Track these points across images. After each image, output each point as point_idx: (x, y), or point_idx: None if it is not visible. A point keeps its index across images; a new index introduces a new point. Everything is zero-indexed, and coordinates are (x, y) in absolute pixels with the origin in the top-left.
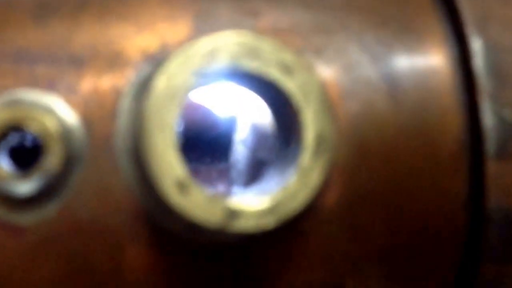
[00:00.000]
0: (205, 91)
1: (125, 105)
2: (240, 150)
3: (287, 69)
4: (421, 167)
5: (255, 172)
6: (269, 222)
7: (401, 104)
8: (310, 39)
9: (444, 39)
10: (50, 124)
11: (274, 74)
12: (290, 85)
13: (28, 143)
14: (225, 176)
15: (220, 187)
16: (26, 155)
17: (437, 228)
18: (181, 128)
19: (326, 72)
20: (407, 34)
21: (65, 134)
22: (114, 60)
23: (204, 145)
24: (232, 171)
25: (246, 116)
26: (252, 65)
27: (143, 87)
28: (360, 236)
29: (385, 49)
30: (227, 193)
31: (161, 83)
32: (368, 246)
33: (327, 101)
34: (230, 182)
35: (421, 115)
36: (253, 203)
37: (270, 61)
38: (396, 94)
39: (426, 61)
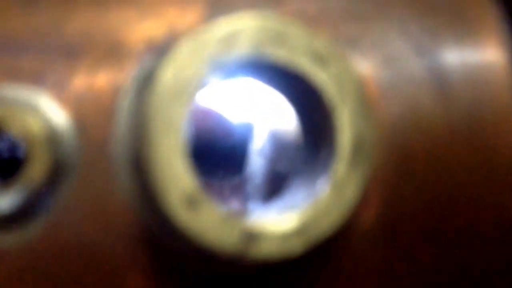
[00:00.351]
0: (217, 93)
1: (125, 104)
2: (257, 161)
3: (319, 59)
4: (474, 177)
5: (274, 186)
6: (296, 246)
7: (451, 103)
8: (344, 28)
9: (500, 29)
10: (35, 126)
11: (304, 64)
12: (323, 77)
13: (7, 149)
14: (240, 191)
15: (234, 204)
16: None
17: (493, 253)
18: (191, 132)
19: (363, 65)
20: (458, 23)
21: (53, 137)
22: (113, 51)
23: (216, 155)
24: (247, 185)
25: (264, 122)
26: (278, 53)
27: (147, 82)
28: (402, 259)
29: (432, 39)
30: (243, 211)
31: (167, 75)
32: (410, 270)
33: (366, 99)
34: (245, 198)
35: (474, 116)
36: (277, 222)
37: (300, 49)
38: (445, 92)
39: (480, 55)
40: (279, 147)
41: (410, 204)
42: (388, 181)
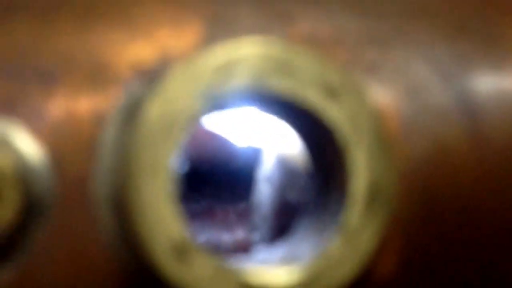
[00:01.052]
0: (221, 116)
1: (108, 136)
2: (264, 189)
3: (331, 92)
4: (506, 226)
5: (283, 216)
6: None
7: (483, 141)
8: (361, 53)
9: None
10: (4, 161)
11: (314, 98)
12: (335, 113)
13: None
14: (246, 218)
15: (240, 233)
16: None
17: None
18: (184, 170)
19: (383, 96)
20: (491, 46)
21: (25, 174)
22: (96, 75)
23: (220, 180)
24: (254, 214)
25: (272, 147)
26: (283, 85)
27: (133, 114)
28: None
29: (462, 66)
30: (248, 242)
31: (155, 108)
32: None
33: (385, 136)
34: (251, 228)
35: (509, 159)
36: (279, 276)
37: (308, 80)
38: (476, 125)
39: None
40: (288, 175)
41: (433, 255)
42: (408, 229)
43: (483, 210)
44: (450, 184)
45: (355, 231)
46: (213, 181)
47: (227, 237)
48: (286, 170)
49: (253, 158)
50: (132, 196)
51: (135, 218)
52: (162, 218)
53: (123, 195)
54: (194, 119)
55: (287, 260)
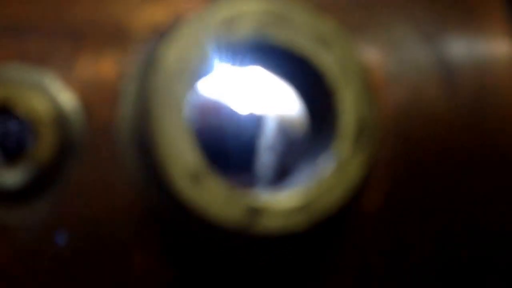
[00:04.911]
0: (225, 84)
1: (130, 86)
2: (266, 158)
3: (323, 42)
4: (476, 161)
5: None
6: (300, 222)
7: (455, 92)
8: (350, 15)
9: (506, 20)
10: (42, 106)
11: (308, 46)
12: (327, 60)
13: (15, 128)
14: (250, 187)
15: None
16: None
17: (498, 239)
18: (201, 126)
19: (369, 51)
20: (465, 12)
21: (59, 118)
22: (117, 35)
23: (224, 152)
24: (258, 182)
25: (272, 114)
26: (280, 35)
27: (151, 65)
28: (405, 247)
29: (439, 27)
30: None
31: (171, 54)
32: (412, 259)
33: (370, 83)
34: None
35: (478, 104)
36: (281, 199)
37: (303, 31)
38: (450, 80)
39: (485, 44)
40: (289, 141)
41: (414, 189)
42: (394, 165)
43: (455, 148)
44: (426, 126)
45: (345, 161)
46: (217, 150)
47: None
48: (287, 137)
49: (256, 127)
50: (152, 130)
51: (155, 150)
52: (179, 148)
53: (145, 131)
54: (204, 64)
55: (287, 188)
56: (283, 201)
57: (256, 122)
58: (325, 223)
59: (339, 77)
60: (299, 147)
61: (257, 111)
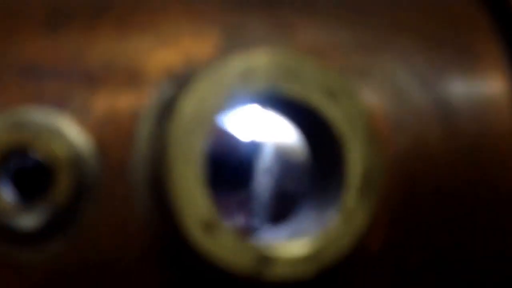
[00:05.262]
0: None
1: (145, 129)
2: (263, 179)
3: (331, 94)
4: (478, 208)
5: (280, 205)
6: (308, 271)
7: (456, 137)
8: (353, 60)
9: (504, 63)
10: (59, 149)
11: (316, 99)
12: (334, 112)
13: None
14: (246, 207)
15: (240, 219)
16: (30, 178)
17: (499, 276)
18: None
19: (372, 98)
20: (463, 56)
21: (76, 160)
22: (132, 78)
23: (222, 170)
24: (253, 202)
25: (271, 141)
26: (292, 88)
27: (166, 109)
28: (410, 279)
29: (437, 72)
30: (247, 228)
31: (188, 105)
32: None
33: (374, 132)
34: (251, 215)
35: (478, 147)
36: (290, 248)
37: (312, 84)
38: (450, 123)
39: (484, 89)
40: (286, 166)
41: (416, 230)
42: (395, 208)
43: (456, 190)
44: (428, 170)
45: (351, 211)
46: (216, 171)
47: (228, 223)
48: (284, 162)
49: (254, 150)
50: (168, 180)
51: (170, 198)
52: (193, 198)
53: (160, 180)
54: (218, 115)
55: (295, 235)
56: (292, 250)
57: (255, 147)
58: (333, 269)
59: (346, 128)
60: (296, 173)
61: (257, 138)
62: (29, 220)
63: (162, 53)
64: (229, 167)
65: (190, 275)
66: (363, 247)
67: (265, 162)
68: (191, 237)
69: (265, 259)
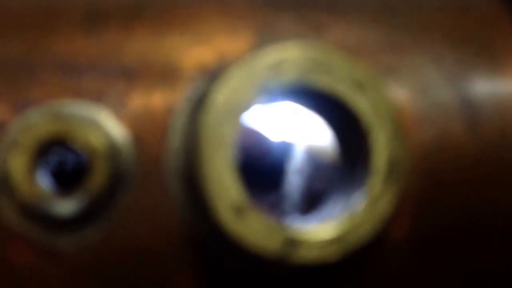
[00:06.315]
0: (257, 113)
1: (178, 123)
2: (294, 180)
3: (359, 86)
4: (500, 201)
5: (310, 204)
6: (333, 253)
7: (480, 132)
8: (381, 58)
9: None
10: (97, 140)
11: (345, 91)
12: (362, 103)
13: (70, 162)
14: (278, 208)
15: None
16: (69, 177)
17: None
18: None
19: (399, 93)
20: (486, 56)
21: (112, 151)
22: (167, 74)
23: (255, 173)
24: (285, 202)
25: (302, 142)
26: (321, 80)
27: (199, 104)
28: (430, 273)
29: (464, 70)
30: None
31: (221, 96)
32: (438, 279)
33: (400, 124)
34: (282, 215)
35: (501, 146)
36: (316, 231)
37: (341, 76)
38: (474, 121)
39: (508, 86)
40: (316, 166)
41: (438, 221)
42: (418, 200)
43: (479, 186)
44: (451, 163)
45: (376, 197)
46: (249, 174)
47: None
48: (314, 162)
49: (285, 152)
50: (201, 167)
51: (202, 184)
52: (225, 184)
53: (193, 167)
54: (250, 107)
55: (321, 220)
56: (318, 233)
57: (287, 148)
58: (357, 253)
59: (373, 119)
60: (326, 173)
61: (289, 139)
62: (66, 207)
63: (196, 50)
64: (262, 169)
65: (219, 259)
66: (386, 233)
67: (296, 163)
68: (222, 220)
69: (293, 242)
